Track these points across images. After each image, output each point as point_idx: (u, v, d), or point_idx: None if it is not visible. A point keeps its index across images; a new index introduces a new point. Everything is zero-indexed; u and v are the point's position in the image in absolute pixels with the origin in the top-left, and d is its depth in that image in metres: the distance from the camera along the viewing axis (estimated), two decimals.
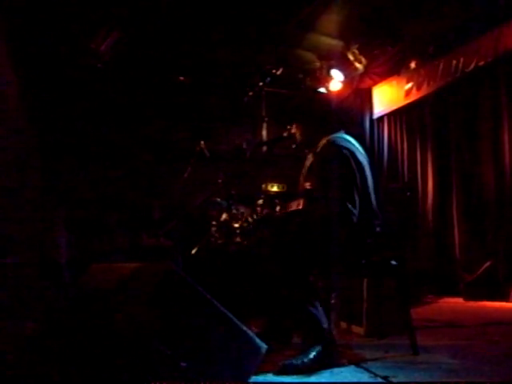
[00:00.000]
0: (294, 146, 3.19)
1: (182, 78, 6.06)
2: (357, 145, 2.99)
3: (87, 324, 2.09)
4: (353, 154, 2.85)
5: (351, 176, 2.80)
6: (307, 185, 2.90)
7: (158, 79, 6.08)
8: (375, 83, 7.12)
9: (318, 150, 2.99)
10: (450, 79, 5.88)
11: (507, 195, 5.23)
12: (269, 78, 5.52)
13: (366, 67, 6.48)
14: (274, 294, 3.05)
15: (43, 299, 1.97)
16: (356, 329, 3.54)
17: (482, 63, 5.45)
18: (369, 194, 2.86)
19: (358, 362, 2.66)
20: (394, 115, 7.07)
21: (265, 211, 3.42)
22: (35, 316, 1.95)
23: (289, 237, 3.01)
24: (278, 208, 3.31)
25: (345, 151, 2.84)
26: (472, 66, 5.56)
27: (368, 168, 2.94)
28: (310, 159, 3.11)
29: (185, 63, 6.06)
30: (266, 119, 6.11)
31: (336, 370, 2.55)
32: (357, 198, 2.78)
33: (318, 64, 6.59)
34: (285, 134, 3.25)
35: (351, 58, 6.28)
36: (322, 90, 6.58)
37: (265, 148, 5.99)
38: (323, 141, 2.98)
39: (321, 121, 3.06)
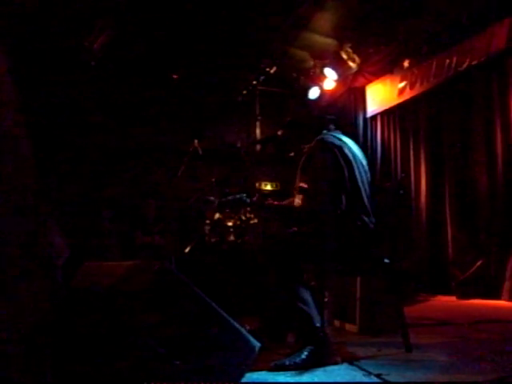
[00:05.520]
0: (292, 154, 3.22)
1: (175, 76, 6.05)
2: (348, 141, 3.00)
3: (81, 323, 2.09)
4: (341, 150, 2.86)
5: (338, 171, 2.82)
6: (303, 184, 2.91)
7: (151, 77, 6.07)
8: (369, 82, 7.13)
9: (310, 147, 3.01)
10: (443, 78, 5.90)
11: (500, 194, 5.26)
12: (263, 77, 5.52)
13: (359, 66, 6.50)
14: (268, 293, 3.05)
15: (37, 299, 1.96)
16: (349, 327, 3.55)
17: (474, 62, 5.47)
18: (359, 189, 2.86)
19: (352, 360, 2.67)
20: (387, 114, 7.08)
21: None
22: (29, 316, 1.95)
23: (285, 233, 3.02)
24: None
25: (332, 147, 2.86)
26: (465, 65, 5.58)
27: (360, 165, 2.95)
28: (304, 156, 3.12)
29: (178, 62, 6.05)
30: (260, 118, 6.12)
31: (329, 367, 2.55)
32: (344, 194, 2.80)
33: (311, 63, 6.60)
34: (279, 133, 3.26)
35: (345, 56, 6.29)
36: (315, 88, 6.62)
37: (258, 147, 6.00)
38: (316, 139, 3.00)
39: (314, 127, 3.09)
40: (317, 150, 2.92)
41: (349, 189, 2.81)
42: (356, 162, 2.90)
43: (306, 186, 2.87)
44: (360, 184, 2.87)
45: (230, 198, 3.24)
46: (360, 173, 2.90)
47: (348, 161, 2.85)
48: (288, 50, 6.30)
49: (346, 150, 2.88)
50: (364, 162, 3.01)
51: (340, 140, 2.95)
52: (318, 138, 2.97)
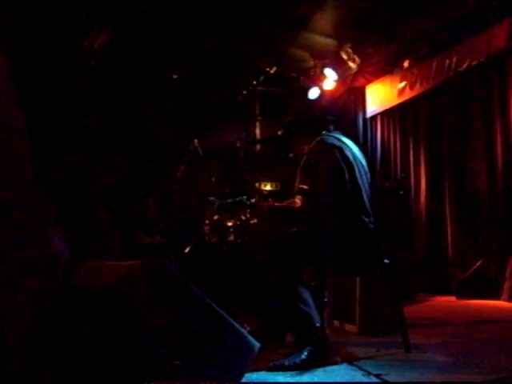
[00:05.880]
0: (291, 155, 3.22)
1: (175, 75, 6.05)
2: (348, 143, 3.01)
3: (81, 323, 2.09)
4: (341, 151, 2.87)
5: (338, 172, 2.82)
6: (303, 184, 2.91)
7: (151, 77, 6.07)
8: (369, 82, 7.13)
9: (310, 148, 3.02)
10: (443, 78, 5.90)
11: (499, 194, 5.26)
12: (262, 77, 5.52)
13: (359, 66, 6.50)
14: (268, 293, 3.06)
15: (37, 299, 1.97)
16: (349, 327, 3.55)
17: (474, 62, 5.47)
18: (359, 190, 2.87)
19: (351, 360, 2.67)
20: (387, 114, 7.08)
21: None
22: (28, 315, 1.95)
23: (285, 234, 3.02)
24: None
25: (332, 148, 2.86)
26: (465, 65, 5.58)
27: (360, 166, 2.95)
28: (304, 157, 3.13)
29: (179, 62, 6.05)
30: (260, 118, 6.13)
31: (329, 367, 2.56)
32: (344, 195, 2.81)
33: (311, 63, 6.60)
34: (278, 133, 3.27)
35: (345, 56, 6.29)
36: (315, 88, 6.62)
37: (258, 147, 6.01)
38: (315, 139, 3.01)
39: (314, 128, 3.10)
40: (317, 151, 2.93)
41: (349, 190, 2.82)
42: (356, 163, 2.91)
43: (306, 186, 2.88)
44: (360, 185, 2.88)
45: (229, 200, 3.24)
46: (360, 174, 2.91)
47: (348, 162, 2.86)
48: (288, 50, 6.30)
49: (347, 151, 2.89)
50: (364, 163, 3.01)
51: (340, 141, 2.96)
52: (318, 138, 2.98)
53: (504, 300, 4.83)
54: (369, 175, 3.01)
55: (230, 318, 2.06)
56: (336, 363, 2.62)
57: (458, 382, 2.29)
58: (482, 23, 5.32)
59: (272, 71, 5.67)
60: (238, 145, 5.22)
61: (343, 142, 2.96)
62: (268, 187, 5.35)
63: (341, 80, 6.69)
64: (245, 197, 3.18)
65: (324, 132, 3.04)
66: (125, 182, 5.86)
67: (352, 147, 2.99)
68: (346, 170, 2.83)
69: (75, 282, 2.34)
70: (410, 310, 3.79)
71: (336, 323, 3.65)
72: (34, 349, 1.95)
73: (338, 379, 2.37)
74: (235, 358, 2.03)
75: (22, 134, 1.97)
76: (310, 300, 2.68)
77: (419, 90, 6.29)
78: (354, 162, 2.89)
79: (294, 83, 6.91)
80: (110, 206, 5.39)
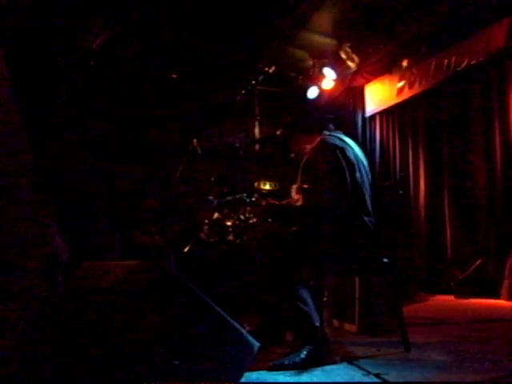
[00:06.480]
0: (292, 155, 3.23)
1: (174, 75, 6.05)
2: (350, 143, 3.01)
3: (80, 323, 2.09)
4: (343, 152, 2.87)
5: (340, 173, 2.82)
6: (304, 184, 2.92)
7: (150, 77, 6.07)
8: (367, 81, 7.14)
9: (312, 148, 3.02)
10: (442, 78, 5.90)
11: (498, 193, 5.26)
12: (261, 77, 5.52)
13: (358, 65, 6.50)
14: (267, 292, 3.06)
15: (37, 299, 1.97)
16: (348, 326, 3.55)
17: (473, 62, 5.48)
18: (361, 190, 2.87)
19: (351, 360, 2.68)
20: (386, 113, 7.09)
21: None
22: (29, 316, 1.95)
23: (285, 233, 3.03)
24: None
25: (334, 148, 2.87)
26: (464, 64, 5.59)
27: (362, 166, 2.96)
28: (305, 157, 3.13)
29: (178, 62, 6.05)
30: (259, 117, 6.13)
31: (328, 367, 2.56)
32: (345, 195, 2.81)
33: (310, 62, 6.60)
34: (277, 133, 3.27)
35: (344, 56, 6.29)
36: (314, 88, 6.62)
37: (257, 146, 6.01)
38: (317, 139, 3.01)
39: (314, 127, 3.11)
40: (319, 151, 2.93)
41: (350, 190, 2.82)
42: (358, 164, 2.91)
43: (307, 186, 2.88)
44: (361, 185, 2.88)
45: (229, 198, 3.24)
46: (361, 174, 2.91)
47: (350, 163, 2.86)
48: (287, 50, 6.30)
49: (349, 152, 2.89)
50: (365, 163, 3.02)
51: (342, 141, 2.96)
52: (320, 138, 2.98)
53: (503, 299, 4.84)
54: (370, 175, 3.02)
55: (229, 318, 2.06)
56: (335, 363, 2.63)
57: (458, 381, 2.29)
58: (481, 23, 5.32)
59: (271, 71, 5.67)
60: (237, 144, 5.23)
61: (345, 143, 2.96)
62: (267, 187, 5.36)
63: (340, 79, 6.69)
64: (245, 194, 3.18)
65: (326, 132, 3.04)
66: (124, 183, 5.87)
67: (354, 147, 2.99)
68: (347, 171, 2.83)
69: (74, 282, 2.34)
70: (409, 310, 3.81)
71: (335, 323, 3.66)
72: (34, 349, 1.95)
73: (338, 379, 2.38)
74: (235, 358, 2.03)
75: (21, 136, 1.97)
76: (309, 299, 2.69)
77: (418, 90, 6.29)
78: (355, 163, 2.89)
79: (293, 83, 6.91)
80: (109, 207, 5.40)
